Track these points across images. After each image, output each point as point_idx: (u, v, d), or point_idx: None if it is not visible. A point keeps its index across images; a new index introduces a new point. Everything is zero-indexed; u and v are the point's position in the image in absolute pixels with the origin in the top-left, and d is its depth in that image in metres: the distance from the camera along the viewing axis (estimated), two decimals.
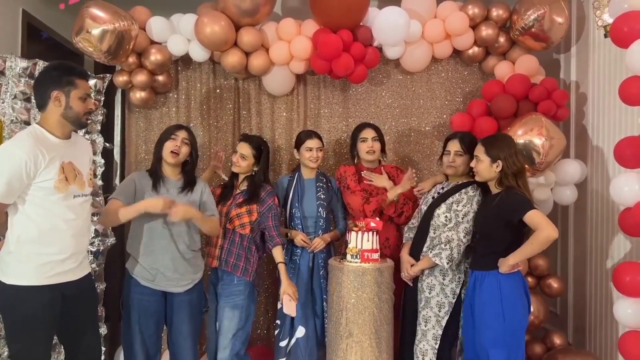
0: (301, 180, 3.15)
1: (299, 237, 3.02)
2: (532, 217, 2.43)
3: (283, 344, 3.02)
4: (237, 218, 2.88)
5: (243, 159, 2.95)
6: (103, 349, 2.96)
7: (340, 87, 3.69)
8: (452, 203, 2.76)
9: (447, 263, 2.67)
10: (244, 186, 2.98)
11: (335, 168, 3.68)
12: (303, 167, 3.17)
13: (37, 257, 2.19)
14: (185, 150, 2.71)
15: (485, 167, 2.58)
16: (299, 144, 3.13)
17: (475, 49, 3.51)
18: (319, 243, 3.03)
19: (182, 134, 2.71)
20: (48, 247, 2.21)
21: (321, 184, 3.14)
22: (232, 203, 2.93)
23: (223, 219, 2.89)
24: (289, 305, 2.80)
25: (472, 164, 2.64)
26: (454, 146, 2.82)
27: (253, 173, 2.99)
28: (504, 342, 2.46)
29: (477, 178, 2.65)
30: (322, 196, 3.11)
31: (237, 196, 2.96)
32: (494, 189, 2.62)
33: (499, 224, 2.53)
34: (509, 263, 2.47)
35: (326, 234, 3.09)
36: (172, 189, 2.70)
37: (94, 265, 3.00)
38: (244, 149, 2.96)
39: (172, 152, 2.67)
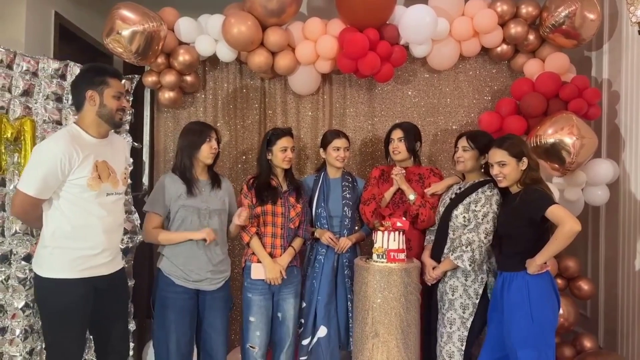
0: (327, 180, 3.15)
1: (326, 235, 3.02)
2: (554, 212, 2.38)
3: (305, 342, 3.03)
4: (297, 217, 2.97)
5: (292, 152, 3.00)
6: (132, 344, 3.01)
7: (366, 86, 3.68)
8: (470, 203, 2.73)
9: (470, 265, 2.65)
10: (285, 182, 3.01)
11: (360, 167, 3.68)
12: (329, 167, 3.16)
13: (70, 252, 2.27)
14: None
15: (514, 169, 2.53)
16: (325, 143, 3.12)
17: (504, 46, 3.45)
18: (345, 243, 3.02)
19: (214, 135, 2.79)
20: (81, 242, 2.28)
21: (347, 184, 3.14)
22: (285, 203, 2.94)
23: (279, 218, 2.92)
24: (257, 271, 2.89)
25: (495, 172, 2.57)
26: (462, 142, 2.83)
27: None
28: (533, 343, 2.43)
29: (504, 184, 2.57)
30: (348, 195, 3.10)
31: (285, 195, 2.97)
32: (515, 188, 2.58)
33: (522, 223, 2.48)
34: (536, 263, 2.42)
35: (352, 235, 3.08)
36: (204, 189, 2.77)
37: (122, 262, 3.04)
38: (291, 142, 3.00)
39: (211, 154, 2.75)
